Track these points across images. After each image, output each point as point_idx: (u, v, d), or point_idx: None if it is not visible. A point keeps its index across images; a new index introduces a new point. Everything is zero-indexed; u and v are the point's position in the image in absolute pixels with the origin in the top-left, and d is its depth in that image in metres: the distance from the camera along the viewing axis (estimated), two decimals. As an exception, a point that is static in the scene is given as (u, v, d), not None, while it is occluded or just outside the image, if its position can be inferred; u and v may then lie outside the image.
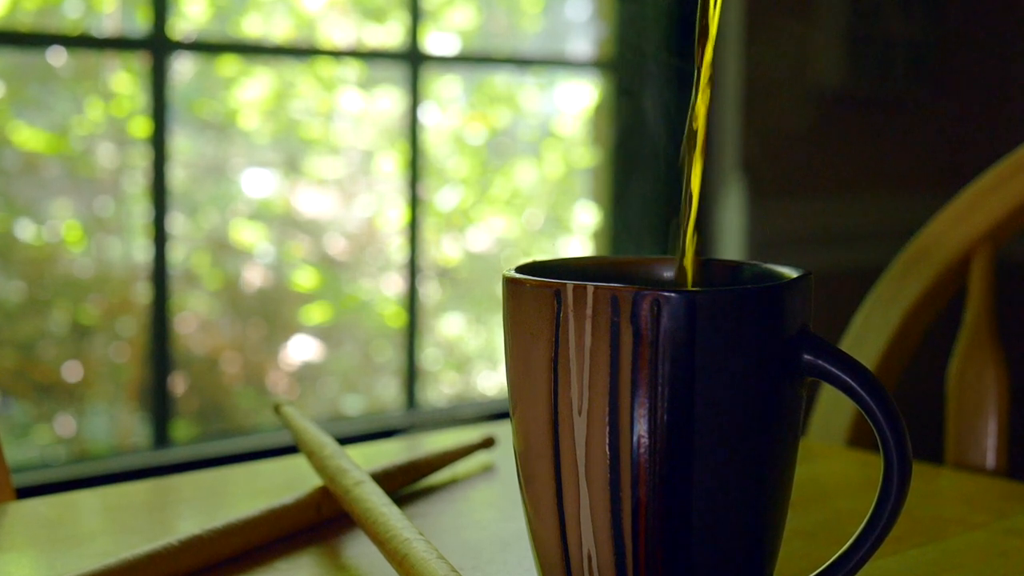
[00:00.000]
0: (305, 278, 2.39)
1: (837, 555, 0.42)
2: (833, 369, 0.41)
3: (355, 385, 2.53)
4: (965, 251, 0.81)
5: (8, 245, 2.09)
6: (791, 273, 0.43)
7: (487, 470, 0.66)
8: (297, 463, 0.65)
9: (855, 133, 2.76)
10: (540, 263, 0.45)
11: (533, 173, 2.66)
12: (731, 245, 2.55)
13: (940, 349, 1.00)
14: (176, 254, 2.13)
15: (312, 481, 0.59)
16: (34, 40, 2.00)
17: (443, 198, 2.53)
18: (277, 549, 0.53)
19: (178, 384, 2.21)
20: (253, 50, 2.25)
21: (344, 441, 0.61)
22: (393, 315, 2.45)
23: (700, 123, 0.43)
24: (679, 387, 0.39)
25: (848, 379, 0.40)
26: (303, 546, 0.54)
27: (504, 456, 0.68)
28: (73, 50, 2.09)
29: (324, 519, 0.56)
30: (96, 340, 2.18)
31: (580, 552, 0.41)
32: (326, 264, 2.42)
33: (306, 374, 2.46)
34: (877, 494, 0.41)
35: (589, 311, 0.39)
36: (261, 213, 2.35)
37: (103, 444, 2.19)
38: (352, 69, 2.39)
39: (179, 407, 2.22)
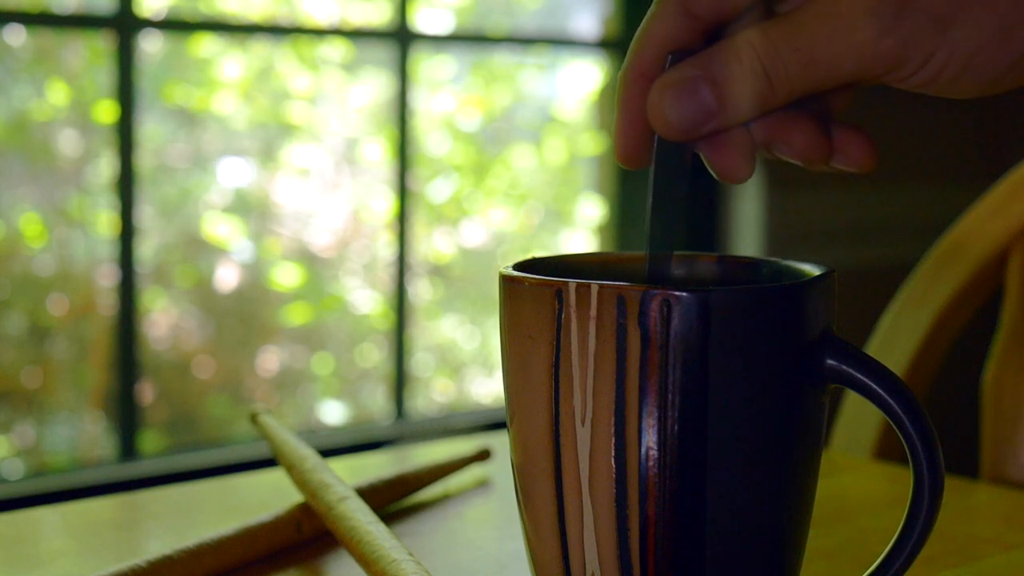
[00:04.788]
0: (284, 276, 2.39)
1: (863, 577, 0.42)
2: (858, 375, 0.41)
3: (339, 392, 2.53)
4: (1002, 247, 0.81)
5: (-39, 240, 2.09)
6: (813, 271, 0.43)
7: (482, 485, 0.66)
8: (275, 477, 0.65)
9: (883, 118, 2.76)
10: (540, 259, 0.45)
11: (533, 162, 2.67)
12: (748, 240, 2.56)
13: (975, 353, 1.00)
14: (144, 250, 2.13)
15: (292, 497, 0.59)
16: (-10, 17, 2.00)
17: (435, 189, 2.53)
18: (254, 571, 0.53)
19: (146, 391, 2.21)
20: (228, 28, 2.25)
21: (327, 453, 0.61)
22: (380, 316, 2.45)
23: None
24: (691, 394, 0.39)
25: (875, 386, 0.41)
26: (282, 567, 0.54)
27: (501, 470, 0.68)
28: (32, 28, 2.09)
29: (305, 538, 0.56)
30: (57, 343, 2.18)
31: (584, 574, 0.41)
32: (307, 261, 2.43)
33: (285, 381, 2.47)
34: (906, 511, 0.41)
35: (593, 312, 0.39)
36: (237, 205, 2.35)
37: (65, 456, 2.19)
38: (336, 49, 2.39)
39: (147, 416, 2.22)
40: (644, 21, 0.43)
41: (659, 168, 0.42)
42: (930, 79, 0.41)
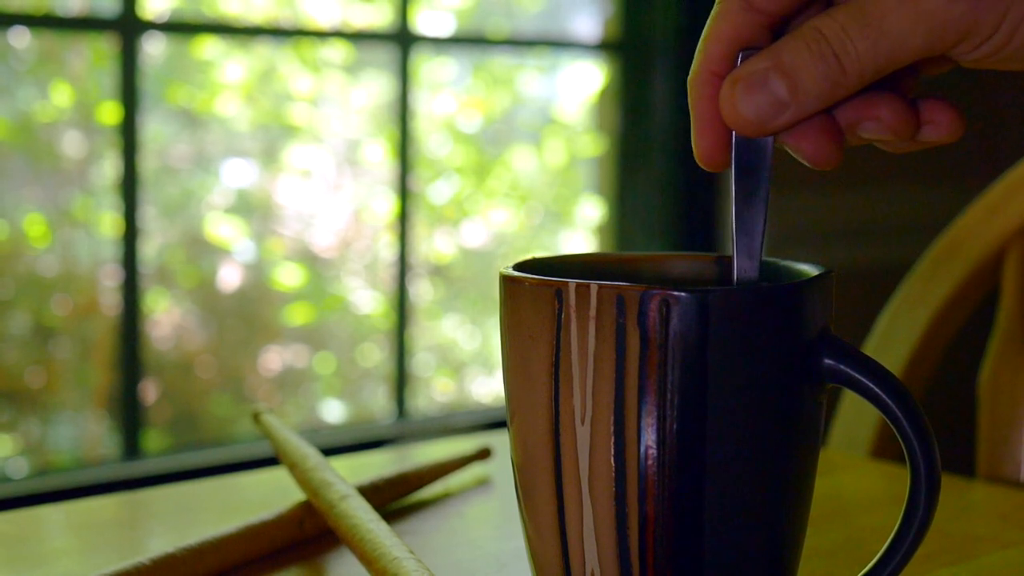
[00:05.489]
0: (286, 276, 2.39)
1: (859, 575, 0.42)
2: (856, 374, 0.41)
3: (340, 392, 2.53)
4: (998, 247, 0.81)
5: (-34, 241, 2.09)
6: (811, 271, 0.43)
7: (483, 484, 0.66)
8: (278, 476, 0.65)
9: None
10: (540, 260, 0.45)
11: (533, 163, 2.67)
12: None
13: (971, 353, 1.00)
14: (147, 251, 2.13)
15: (294, 495, 0.59)
16: (-6, 19, 2.00)
17: (436, 190, 2.53)
18: (256, 569, 0.53)
19: (149, 391, 2.21)
20: (231, 31, 2.25)
21: (328, 452, 0.61)
22: (381, 316, 2.45)
23: None
24: (690, 394, 0.39)
25: (872, 385, 0.40)
26: (284, 565, 0.54)
27: (501, 469, 0.68)
28: (37, 31, 2.09)
29: (307, 536, 0.56)
30: (61, 343, 2.18)
31: (583, 572, 0.41)
32: (309, 261, 2.43)
33: (287, 380, 2.46)
34: (903, 509, 0.41)
35: (593, 312, 0.39)
36: (239, 206, 2.35)
37: (68, 455, 2.19)
38: (338, 51, 2.39)
39: (150, 416, 2.22)
40: (709, 21, 0.42)
41: (740, 167, 0.42)
42: (1002, 44, 0.40)
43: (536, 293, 0.41)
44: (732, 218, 0.42)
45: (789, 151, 0.42)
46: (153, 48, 2.16)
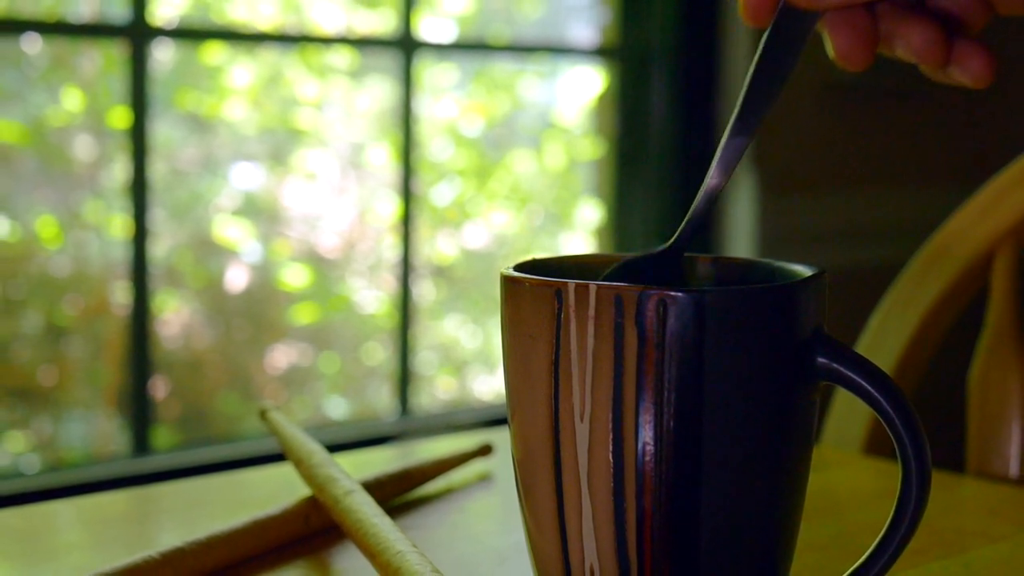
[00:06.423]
0: (292, 277, 2.39)
1: (852, 569, 0.42)
2: (848, 373, 0.41)
3: (345, 390, 2.53)
4: (988, 248, 0.81)
5: (-20, 242, 2.09)
6: (804, 271, 0.43)
7: (484, 479, 0.66)
8: (284, 472, 0.65)
9: (871, 124, 2.76)
10: (540, 261, 0.46)
11: (533, 166, 2.67)
12: (741, 242, 2.56)
13: (961, 351, 1.00)
14: (157, 252, 2.13)
15: (300, 491, 0.59)
16: (6, 26, 2.00)
17: (438, 192, 2.53)
18: (263, 562, 0.53)
19: (159, 388, 2.21)
20: (238, 37, 2.25)
21: (333, 448, 0.61)
22: (385, 316, 2.45)
23: None
24: (686, 392, 0.39)
25: (864, 383, 0.41)
26: (290, 559, 0.54)
27: (502, 465, 0.68)
28: (48, 37, 2.09)
29: (313, 531, 0.56)
30: (72, 342, 2.18)
31: (583, 566, 0.41)
32: (314, 262, 2.43)
33: (293, 378, 2.46)
34: (895, 505, 0.41)
35: (591, 311, 0.39)
36: (246, 209, 2.35)
37: (80, 451, 2.19)
38: (342, 57, 2.39)
39: (160, 413, 2.22)
40: None
41: (775, 33, 0.42)
42: None
43: (536, 293, 0.41)
44: (749, 75, 0.42)
45: (825, 40, 0.42)
46: (162, 54, 2.16)
